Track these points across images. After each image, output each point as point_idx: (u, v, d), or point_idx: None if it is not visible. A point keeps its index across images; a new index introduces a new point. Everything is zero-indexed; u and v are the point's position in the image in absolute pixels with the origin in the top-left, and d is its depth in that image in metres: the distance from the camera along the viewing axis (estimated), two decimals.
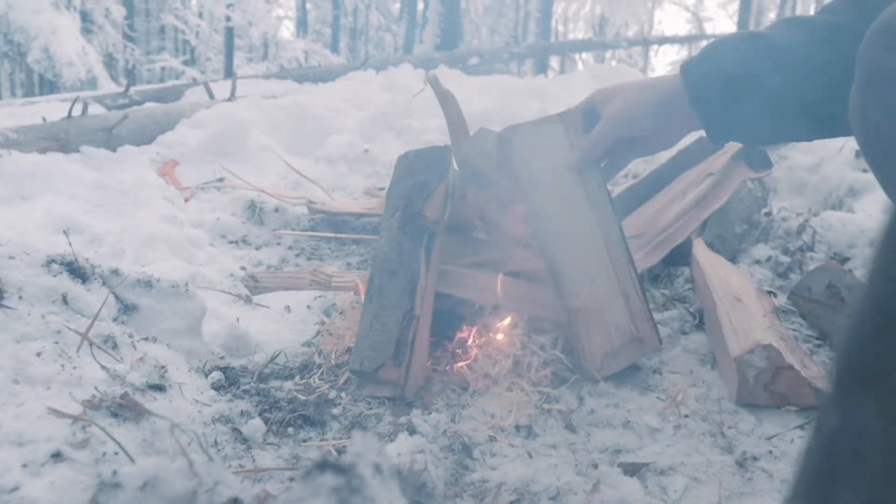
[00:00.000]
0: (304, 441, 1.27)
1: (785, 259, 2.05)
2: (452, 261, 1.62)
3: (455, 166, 1.65)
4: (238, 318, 1.76)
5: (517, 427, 1.30)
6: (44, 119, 3.63)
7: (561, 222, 1.49)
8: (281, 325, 1.84)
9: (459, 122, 1.62)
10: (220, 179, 3.02)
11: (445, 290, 1.56)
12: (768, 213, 2.33)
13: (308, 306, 1.95)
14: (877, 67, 1.06)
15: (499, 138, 1.55)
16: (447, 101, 1.62)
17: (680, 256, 2.02)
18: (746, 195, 2.25)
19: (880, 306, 0.41)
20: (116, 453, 0.99)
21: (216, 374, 1.46)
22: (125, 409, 1.09)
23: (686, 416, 1.35)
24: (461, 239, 1.67)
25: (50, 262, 1.42)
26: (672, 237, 2.02)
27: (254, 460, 1.20)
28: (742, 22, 19.69)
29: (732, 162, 2.12)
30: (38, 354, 1.17)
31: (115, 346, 1.33)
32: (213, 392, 1.40)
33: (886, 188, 1.12)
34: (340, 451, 1.21)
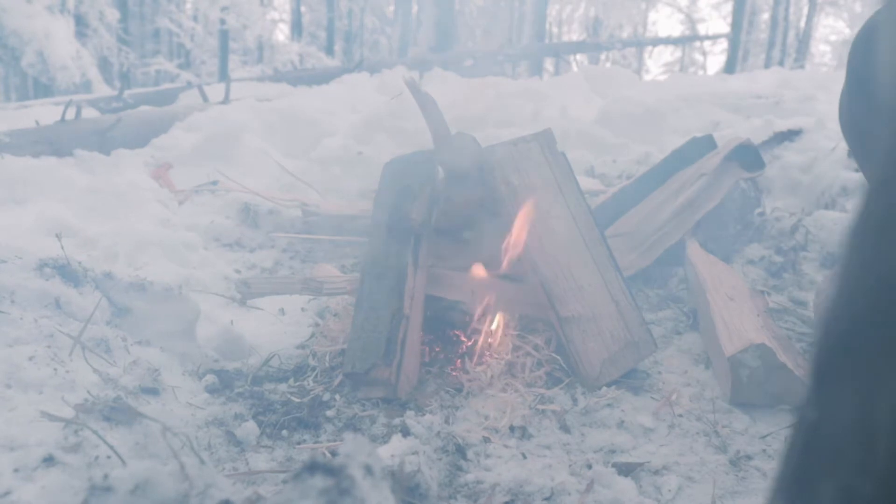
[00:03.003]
0: (298, 443, 1.27)
1: (778, 259, 2.06)
2: (443, 263, 1.62)
3: (440, 169, 1.67)
4: (232, 321, 1.76)
5: (511, 428, 1.30)
6: (37, 123, 3.62)
7: (544, 234, 1.52)
8: (275, 328, 1.84)
9: (440, 124, 1.63)
10: (214, 182, 3.02)
11: (437, 292, 1.57)
12: (762, 213, 2.33)
13: (302, 308, 1.95)
14: (863, 71, 1.08)
15: (479, 157, 1.58)
16: (427, 104, 1.63)
17: (674, 257, 2.03)
18: (740, 195, 2.26)
19: (853, 302, 0.41)
20: (109, 457, 0.99)
21: (210, 377, 1.45)
22: (118, 412, 1.08)
23: (680, 415, 1.35)
24: (451, 241, 1.68)
25: (42, 265, 1.41)
26: (666, 237, 2.03)
27: (247, 463, 1.20)
28: (735, 23, 19.76)
29: (725, 162, 2.12)
30: (31, 358, 1.16)
31: (108, 350, 1.33)
32: (206, 395, 1.40)
33: (867, 179, 1.13)
34: (334, 454, 1.21)
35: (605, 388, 1.42)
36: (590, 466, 1.19)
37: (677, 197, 2.09)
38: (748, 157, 2.13)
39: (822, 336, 0.43)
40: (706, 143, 2.27)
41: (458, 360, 1.51)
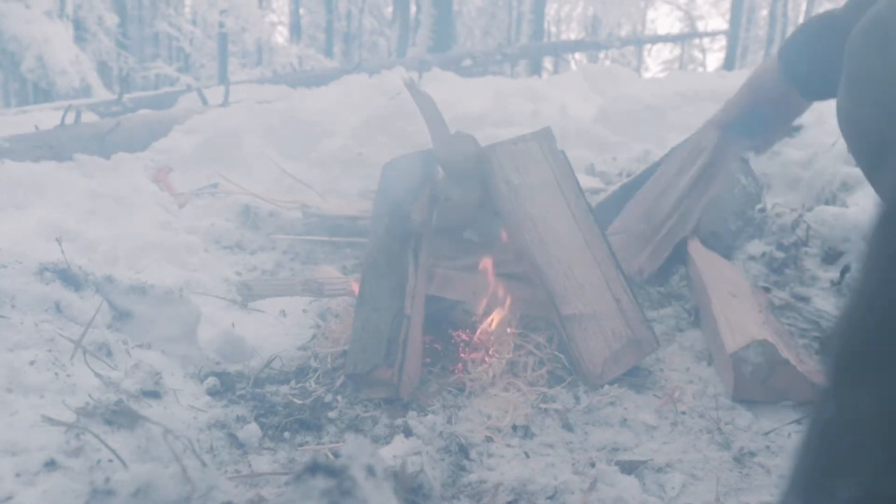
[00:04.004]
0: (301, 445, 1.27)
1: (779, 255, 2.05)
2: (444, 263, 1.62)
3: (439, 169, 1.67)
4: (233, 323, 1.76)
5: (514, 427, 1.30)
6: (37, 128, 3.62)
7: (545, 233, 1.52)
8: (276, 330, 1.84)
9: (439, 124, 1.63)
10: (214, 185, 3.02)
11: (438, 292, 1.57)
12: (762, 209, 2.33)
13: (303, 310, 1.95)
14: (862, 67, 1.07)
15: (478, 157, 1.57)
16: (425, 104, 1.63)
17: (675, 254, 2.02)
18: (740, 192, 2.25)
19: (876, 298, 0.41)
20: (111, 460, 0.98)
21: (211, 380, 1.45)
22: (119, 416, 1.08)
23: (683, 412, 1.35)
24: (451, 240, 1.68)
25: (43, 270, 1.41)
26: (673, 233, 1.99)
27: (250, 465, 1.19)
28: (734, 20, 19.76)
29: (722, 136, 2.00)
30: (32, 363, 1.16)
31: (109, 354, 1.33)
32: (208, 398, 1.40)
33: (872, 181, 1.13)
34: (336, 455, 1.21)
35: (607, 387, 1.42)
36: (593, 465, 1.18)
37: (679, 179, 2.01)
38: (754, 127, 2.01)
39: (842, 334, 0.43)
40: None
41: (460, 360, 1.50)
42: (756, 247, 2.12)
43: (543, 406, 1.35)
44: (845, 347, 0.43)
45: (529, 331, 1.55)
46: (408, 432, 1.23)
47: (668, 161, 2.12)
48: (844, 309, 0.44)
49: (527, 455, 1.22)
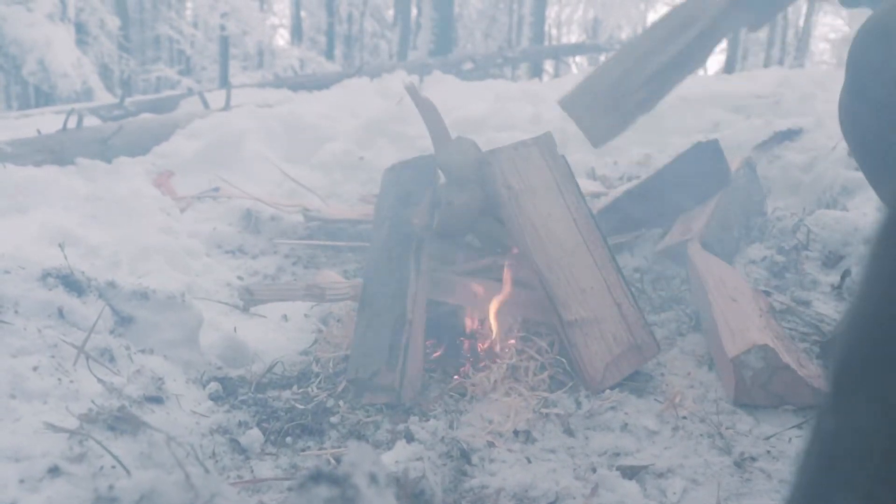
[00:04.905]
0: (303, 450, 1.27)
1: (780, 258, 2.05)
2: (445, 268, 1.62)
3: (441, 174, 1.67)
4: (235, 328, 1.76)
5: (515, 432, 1.30)
6: (39, 132, 3.63)
7: (546, 237, 1.52)
8: (278, 334, 1.84)
9: (440, 129, 1.64)
10: (216, 189, 3.02)
11: (439, 297, 1.57)
12: (763, 213, 2.33)
13: (305, 315, 1.96)
14: (865, 70, 1.08)
15: (479, 161, 1.58)
16: (426, 110, 1.64)
17: (676, 257, 2.03)
18: (746, 200, 2.26)
19: (878, 308, 0.41)
20: (114, 467, 0.99)
21: (214, 385, 1.46)
22: (122, 422, 1.09)
23: (684, 417, 1.35)
24: (453, 245, 1.68)
25: (45, 275, 1.42)
26: (640, 106, 1.93)
27: (252, 471, 1.20)
28: None
29: (730, 7, 1.85)
30: (35, 369, 1.16)
31: (111, 359, 1.33)
32: (210, 403, 1.40)
33: (875, 185, 1.13)
34: (338, 460, 1.21)
35: (608, 391, 1.42)
36: (594, 470, 1.19)
37: (665, 47, 1.89)
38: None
39: (841, 345, 0.43)
40: (711, 148, 2.26)
41: (462, 365, 1.51)
42: (757, 251, 2.13)
43: (545, 411, 1.36)
44: (846, 357, 0.43)
45: (531, 335, 1.55)
46: (409, 438, 1.23)
47: (652, 28, 2.01)
48: (845, 317, 0.44)
49: (528, 460, 1.22)
